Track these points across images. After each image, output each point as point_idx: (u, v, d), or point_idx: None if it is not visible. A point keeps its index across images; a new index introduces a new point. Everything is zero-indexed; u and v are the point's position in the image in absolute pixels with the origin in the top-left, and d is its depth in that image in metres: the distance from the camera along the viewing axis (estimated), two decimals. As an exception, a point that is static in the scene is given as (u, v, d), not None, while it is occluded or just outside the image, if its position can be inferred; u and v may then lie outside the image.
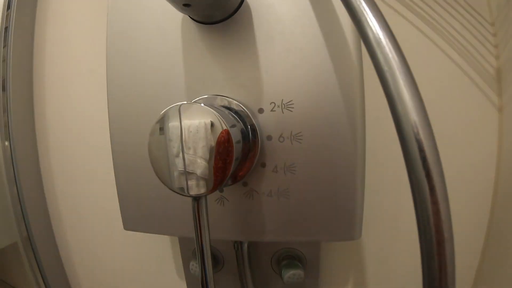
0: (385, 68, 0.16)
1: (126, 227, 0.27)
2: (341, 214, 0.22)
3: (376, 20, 0.16)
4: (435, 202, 0.15)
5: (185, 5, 0.19)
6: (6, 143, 0.41)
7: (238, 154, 0.18)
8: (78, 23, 0.41)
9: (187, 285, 0.34)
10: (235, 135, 0.18)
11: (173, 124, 0.17)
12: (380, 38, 0.16)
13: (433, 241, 0.15)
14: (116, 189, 0.31)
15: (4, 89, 0.41)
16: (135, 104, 0.24)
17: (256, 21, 0.22)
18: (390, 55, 0.15)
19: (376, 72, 0.16)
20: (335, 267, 0.36)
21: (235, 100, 0.22)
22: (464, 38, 0.34)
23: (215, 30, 0.22)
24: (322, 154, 0.22)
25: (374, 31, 0.16)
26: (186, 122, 0.17)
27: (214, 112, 0.17)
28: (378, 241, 0.35)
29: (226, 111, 0.20)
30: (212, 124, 0.17)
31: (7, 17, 0.41)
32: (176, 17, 0.23)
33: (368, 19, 0.16)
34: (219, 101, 0.22)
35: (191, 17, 0.22)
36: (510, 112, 0.33)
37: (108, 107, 0.25)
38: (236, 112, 0.21)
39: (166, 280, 0.40)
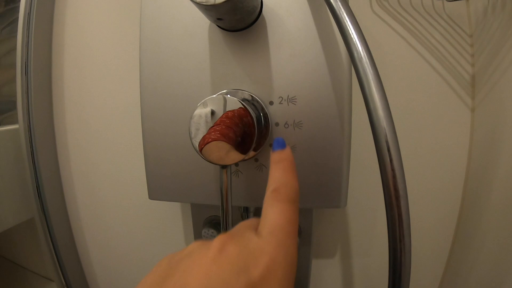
0: (363, 78, 0.25)
1: (152, 197, 0.35)
2: (330, 186, 0.32)
3: (359, 39, 0.25)
4: (393, 169, 0.24)
5: (218, 19, 0.28)
6: (27, 124, 0.49)
7: (255, 144, 0.27)
8: (97, 10, 0.47)
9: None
10: (257, 125, 0.27)
11: (207, 110, 0.26)
12: (361, 55, 0.25)
13: (392, 195, 0.24)
14: (127, 166, 0.38)
15: (26, 72, 0.49)
16: (165, 93, 0.32)
17: (269, 31, 0.31)
18: (367, 69, 0.24)
19: (358, 80, 0.25)
20: (325, 236, 0.45)
21: (251, 94, 0.31)
22: (444, 48, 0.44)
23: (237, 36, 0.31)
24: (317, 137, 0.31)
25: (358, 50, 0.25)
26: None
27: (243, 103, 0.26)
28: (362, 212, 0.45)
29: (247, 102, 0.29)
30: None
31: (30, 3, 0.48)
32: (204, 24, 0.32)
33: (353, 39, 0.25)
34: (240, 94, 0.31)
35: (218, 26, 0.31)
36: (481, 112, 0.43)
37: (140, 98, 0.33)
38: (252, 103, 0.30)
39: (175, 247, 0.49)
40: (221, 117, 0.26)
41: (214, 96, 0.26)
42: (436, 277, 0.47)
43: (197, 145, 0.26)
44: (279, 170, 0.22)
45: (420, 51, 0.43)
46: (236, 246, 0.17)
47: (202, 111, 0.26)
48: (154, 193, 0.35)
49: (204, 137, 0.26)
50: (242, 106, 0.26)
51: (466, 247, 0.44)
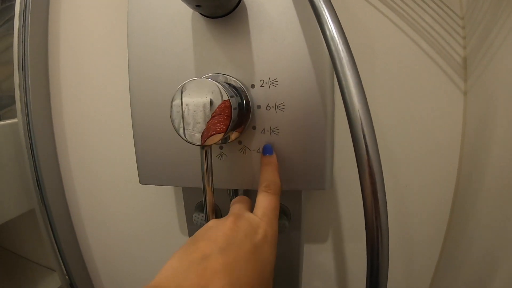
0: (336, 60, 0.25)
1: (142, 182, 0.37)
2: (314, 168, 0.33)
3: (332, 20, 0.26)
4: (366, 144, 0.25)
5: (197, 5, 0.29)
6: (25, 118, 0.51)
7: (235, 117, 0.28)
8: (88, 5, 0.49)
9: (189, 234, 0.45)
10: (233, 103, 0.28)
11: (188, 98, 0.27)
12: (333, 33, 0.26)
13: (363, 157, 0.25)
14: (123, 155, 0.40)
15: (23, 68, 0.51)
16: (153, 79, 0.34)
17: (250, 16, 0.32)
18: (339, 47, 0.25)
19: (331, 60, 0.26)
20: (315, 219, 0.46)
21: (233, 78, 0.32)
22: (435, 31, 0.44)
23: (218, 23, 0.32)
24: (300, 119, 0.32)
25: (331, 30, 0.26)
26: (193, 97, 0.27)
27: (219, 85, 0.27)
28: (351, 195, 0.46)
29: (227, 85, 0.30)
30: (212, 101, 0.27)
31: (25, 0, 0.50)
32: (187, 12, 0.33)
33: (327, 21, 0.26)
34: (222, 78, 0.32)
35: (200, 13, 0.32)
36: (474, 95, 0.43)
37: (129, 86, 0.35)
38: (234, 87, 0.31)
39: (170, 232, 0.51)
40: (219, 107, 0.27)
41: (194, 79, 0.27)
42: (431, 265, 0.48)
43: (192, 134, 0.28)
44: (269, 171, 0.31)
45: (411, 34, 0.44)
46: (244, 222, 0.26)
47: (186, 110, 0.27)
48: (145, 177, 0.36)
49: (208, 129, 0.27)
50: (222, 91, 0.27)
51: (460, 233, 0.44)
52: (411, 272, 0.48)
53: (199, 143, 0.27)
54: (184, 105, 0.27)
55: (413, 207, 0.46)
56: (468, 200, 0.43)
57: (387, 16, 0.43)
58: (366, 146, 0.24)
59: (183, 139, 0.28)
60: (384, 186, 0.26)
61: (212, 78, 0.30)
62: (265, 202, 0.29)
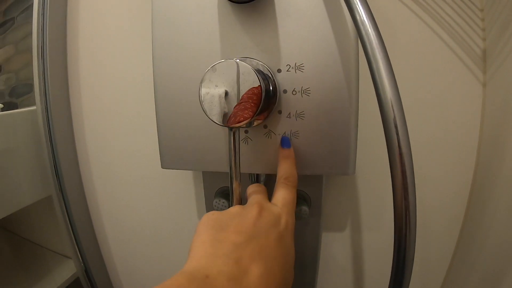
0: (369, 49, 0.25)
1: (164, 166, 0.37)
2: (339, 152, 0.33)
3: (363, 7, 0.26)
4: (400, 151, 0.25)
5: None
6: (44, 105, 0.51)
7: (262, 105, 0.29)
8: None
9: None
10: (264, 88, 0.28)
11: (219, 73, 0.28)
12: (365, 22, 0.26)
13: (398, 179, 0.25)
14: (142, 142, 0.40)
15: (42, 56, 0.52)
16: (178, 63, 0.34)
17: (277, 1, 0.32)
18: (370, 34, 0.25)
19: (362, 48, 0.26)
20: (335, 207, 0.46)
21: (260, 62, 0.32)
22: (455, 22, 0.44)
23: (245, 8, 0.33)
24: (325, 104, 0.32)
25: (361, 15, 0.26)
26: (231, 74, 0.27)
27: (249, 66, 0.27)
28: (372, 183, 0.46)
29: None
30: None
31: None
32: (213, -3, 0.34)
33: (356, 5, 0.26)
34: (248, 62, 0.32)
35: (226, -2, 0.33)
36: (493, 87, 0.43)
37: (153, 69, 0.35)
38: (260, 71, 0.31)
39: (188, 218, 0.51)
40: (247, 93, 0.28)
41: (224, 61, 0.27)
42: (447, 253, 0.48)
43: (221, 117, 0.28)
44: (288, 164, 0.32)
45: (431, 25, 0.44)
46: (268, 212, 0.27)
47: (215, 92, 0.28)
48: (167, 162, 0.37)
49: (235, 114, 0.28)
50: (256, 76, 0.27)
51: (477, 225, 0.44)
52: (427, 262, 0.48)
53: (229, 125, 0.28)
54: (214, 86, 0.28)
55: (430, 198, 0.46)
56: (485, 192, 0.43)
57: (408, 6, 0.43)
58: (396, 127, 0.25)
59: (212, 120, 0.28)
60: (413, 170, 0.26)
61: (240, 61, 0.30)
62: (285, 193, 0.30)
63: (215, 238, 0.24)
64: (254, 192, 0.31)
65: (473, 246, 0.44)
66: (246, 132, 0.34)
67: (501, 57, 0.42)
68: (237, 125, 0.28)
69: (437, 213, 0.47)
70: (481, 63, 0.44)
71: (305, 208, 0.38)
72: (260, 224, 0.25)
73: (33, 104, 0.52)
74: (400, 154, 0.25)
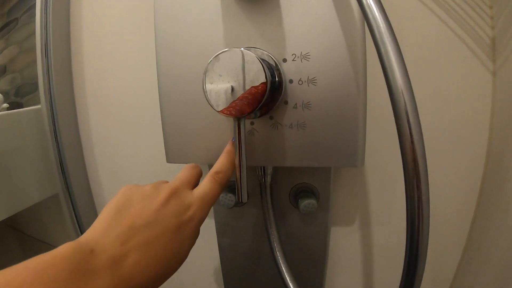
0: (376, 33, 0.25)
1: (169, 160, 0.37)
2: (347, 144, 0.32)
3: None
4: (412, 140, 0.24)
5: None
6: (49, 104, 0.51)
7: (267, 95, 0.28)
8: None
9: (215, 215, 0.45)
10: (269, 77, 0.27)
11: (226, 63, 0.27)
12: (372, 6, 0.25)
13: (410, 168, 0.24)
14: (147, 139, 0.40)
15: (46, 55, 0.51)
16: (181, 54, 0.33)
17: (281, -10, 0.32)
18: (380, 23, 0.25)
19: (370, 34, 0.25)
20: (344, 199, 0.46)
21: (265, 51, 0.32)
22: (463, 10, 0.43)
23: (249, -2, 0.32)
24: (332, 94, 0.31)
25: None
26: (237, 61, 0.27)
27: (253, 54, 0.27)
28: (381, 173, 0.45)
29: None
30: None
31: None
32: (217, -13, 0.33)
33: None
34: (253, 52, 0.31)
35: (230, -13, 0.32)
36: (503, 76, 0.42)
37: (156, 62, 0.34)
38: (265, 61, 0.31)
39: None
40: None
41: (228, 50, 0.27)
42: (458, 248, 0.47)
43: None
44: (225, 159, 0.31)
45: (439, 13, 0.43)
46: (176, 200, 0.27)
47: (219, 81, 0.27)
48: (172, 156, 0.36)
49: (240, 104, 0.27)
50: (260, 64, 0.26)
51: (489, 215, 0.43)
52: (436, 262, 0.47)
53: (233, 115, 0.27)
54: (218, 76, 0.27)
55: (439, 191, 0.45)
56: (497, 185, 0.42)
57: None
58: (407, 113, 0.24)
59: (215, 110, 0.27)
60: (425, 157, 0.25)
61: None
62: (206, 187, 0.29)
63: (117, 215, 0.25)
64: (183, 174, 0.31)
65: (482, 246, 0.43)
66: (252, 123, 0.33)
67: (511, 45, 0.41)
68: (242, 115, 0.27)
69: (445, 210, 0.46)
70: (490, 51, 0.43)
71: (313, 201, 0.37)
72: (163, 211, 0.26)
73: (38, 103, 0.52)
74: (412, 142, 0.24)
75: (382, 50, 0.24)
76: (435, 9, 0.42)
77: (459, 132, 0.44)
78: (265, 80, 0.26)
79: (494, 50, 0.43)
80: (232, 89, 0.27)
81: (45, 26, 0.51)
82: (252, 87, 0.27)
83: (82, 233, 0.53)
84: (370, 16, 0.25)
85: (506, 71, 0.41)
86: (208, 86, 0.28)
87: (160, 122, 0.36)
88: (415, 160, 0.25)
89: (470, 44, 0.43)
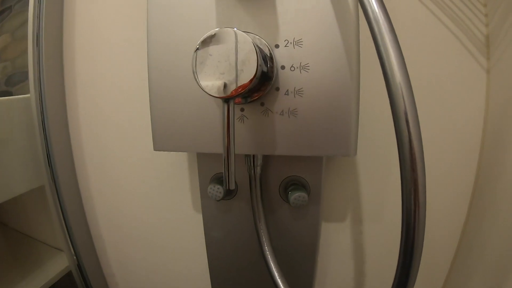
0: (373, 23, 0.24)
1: (156, 148, 0.35)
2: (339, 132, 0.31)
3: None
4: (410, 139, 0.24)
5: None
6: (38, 93, 0.50)
7: (259, 75, 0.27)
8: None
9: (202, 208, 0.43)
10: (260, 59, 0.27)
11: (218, 45, 0.26)
12: None
13: (407, 164, 0.24)
14: (136, 130, 0.39)
15: (37, 43, 0.50)
16: (172, 38, 0.32)
17: (275, -24, 0.31)
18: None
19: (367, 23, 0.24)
20: (335, 194, 0.44)
21: (257, 36, 0.31)
22: (457, 7, 0.43)
23: (242, -17, 0.31)
24: (325, 80, 0.30)
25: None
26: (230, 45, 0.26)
27: (244, 34, 0.26)
28: (374, 165, 0.44)
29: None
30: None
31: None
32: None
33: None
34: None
35: (223, -29, 0.31)
36: (497, 73, 0.42)
37: (147, 44, 0.33)
38: (258, 46, 0.30)
39: (182, 209, 0.49)
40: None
41: (218, 29, 0.26)
42: (451, 248, 0.46)
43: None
44: None
45: (433, 10, 0.42)
46: None
47: (209, 60, 0.26)
48: (160, 143, 0.35)
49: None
50: (252, 44, 0.26)
51: (481, 214, 0.42)
52: (429, 262, 0.46)
53: (223, 95, 0.26)
54: (208, 55, 0.26)
55: (431, 190, 0.44)
56: (490, 182, 0.41)
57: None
58: (405, 104, 0.23)
59: (204, 91, 0.26)
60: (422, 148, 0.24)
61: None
62: None
63: None
64: None
65: (474, 245, 0.42)
66: (242, 110, 0.32)
67: (505, 43, 0.40)
68: (230, 96, 0.26)
69: (438, 209, 0.45)
70: (484, 49, 0.43)
71: (303, 194, 0.36)
72: None
73: (28, 92, 0.50)
74: (408, 130, 0.24)
75: (381, 44, 0.23)
76: (430, 6, 0.42)
77: (452, 129, 0.43)
78: (256, 60, 0.26)
79: (488, 48, 0.43)
80: (225, 72, 0.26)
81: (38, 15, 0.50)
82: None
83: (67, 227, 0.52)
84: (369, 9, 0.24)
85: (500, 68, 0.41)
86: (199, 67, 0.27)
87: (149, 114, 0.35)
88: (413, 161, 0.24)
89: (464, 41, 0.43)
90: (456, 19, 0.43)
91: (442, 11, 0.42)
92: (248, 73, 0.26)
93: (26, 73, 0.51)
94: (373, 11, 0.24)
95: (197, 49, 0.26)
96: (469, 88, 0.43)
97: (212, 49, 0.26)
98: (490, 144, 0.42)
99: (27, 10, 0.50)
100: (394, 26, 0.42)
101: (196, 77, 0.26)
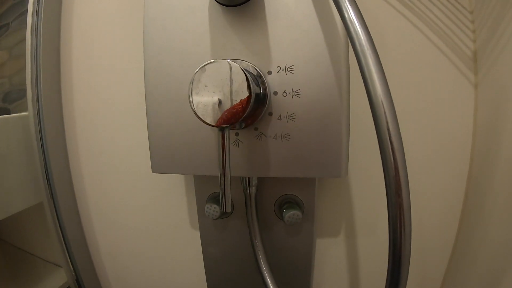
0: (358, 46, 0.25)
1: (155, 170, 0.36)
2: (330, 154, 0.32)
3: (352, 7, 0.26)
4: (394, 158, 0.25)
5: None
6: (36, 111, 0.50)
7: (252, 103, 0.28)
8: None
9: (200, 227, 0.44)
10: (253, 88, 0.28)
11: (211, 75, 0.27)
12: (354, 20, 0.25)
13: (392, 183, 0.25)
14: (133, 150, 0.39)
15: (35, 62, 0.51)
16: (168, 66, 0.33)
17: (267, 4, 0.32)
18: (362, 39, 0.25)
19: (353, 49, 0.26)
20: (328, 211, 0.46)
21: (251, 64, 0.32)
22: (444, 24, 0.44)
23: (235, 10, 0.32)
24: (316, 106, 0.31)
25: (350, 16, 0.26)
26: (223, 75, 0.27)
27: (239, 67, 0.27)
28: (365, 184, 0.45)
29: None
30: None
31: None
32: (204, 0, 0.33)
33: (347, 9, 0.26)
34: (238, 64, 0.32)
35: (216, 1, 0.32)
36: (484, 88, 0.43)
37: (144, 69, 0.34)
38: (251, 73, 0.31)
39: (180, 226, 0.50)
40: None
41: (214, 61, 0.27)
42: (445, 253, 0.47)
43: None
44: None
45: (421, 27, 0.44)
46: None
47: (205, 91, 0.27)
48: (158, 166, 0.36)
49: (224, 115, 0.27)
50: (245, 75, 0.27)
51: (473, 226, 0.43)
52: (424, 269, 0.48)
53: (217, 124, 0.27)
54: (203, 86, 0.27)
55: (424, 202, 0.45)
56: (480, 194, 0.42)
57: (397, 9, 0.43)
58: (387, 120, 0.24)
59: (200, 119, 0.27)
60: (405, 165, 0.25)
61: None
62: None
63: None
64: None
65: (468, 251, 0.44)
66: (236, 134, 0.33)
67: (492, 58, 0.42)
68: (226, 125, 0.27)
69: (431, 220, 0.46)
70: (472, 64, 0.44)
71: (298, 212, 0.38)
72: None
73: (26, 109, 0.51)
74: (392, 148, 0.25)
75: (363, 61, 0.24)
76: (417, 23, 0.43)
77: (442, 141, 0.44)
78: (248, 91, 0.27)
79: (475, 63, 0.44)
80: (220, 101, 0.27)
81: (35, 33, 0.50)
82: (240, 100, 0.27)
83: (66, 243, 0.52)
84: (351, 29, 0.25)
85: (488, 83, 0.42)
86: (195, 97, 0.28)
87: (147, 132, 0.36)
88: (396, 169, 0.25)
89: (452, 57, 0.44)
90: (443, 35, 0.44)
91: (430, 28, 0.44)
92: (241, 103, 0.27)
93: (24, 90, 0.51)
94: (355, 31, 0.25)
95: (193, 80, 0.27)
96: (457, 103, 0.44)
97: (207, 80, 0.27)
98: (479, 156, 0.43)
99: (25, 28, 0.50)
100: (382, 44, 0.44)
101: (193, 107, 0.27)
